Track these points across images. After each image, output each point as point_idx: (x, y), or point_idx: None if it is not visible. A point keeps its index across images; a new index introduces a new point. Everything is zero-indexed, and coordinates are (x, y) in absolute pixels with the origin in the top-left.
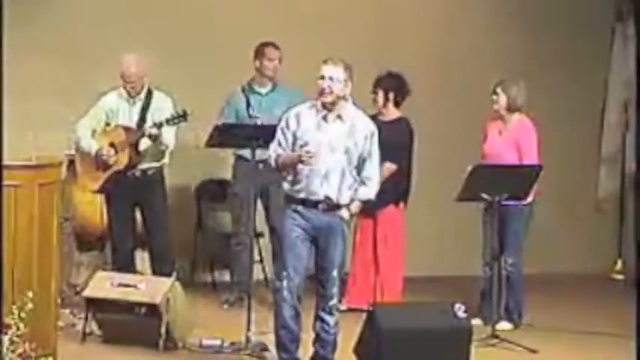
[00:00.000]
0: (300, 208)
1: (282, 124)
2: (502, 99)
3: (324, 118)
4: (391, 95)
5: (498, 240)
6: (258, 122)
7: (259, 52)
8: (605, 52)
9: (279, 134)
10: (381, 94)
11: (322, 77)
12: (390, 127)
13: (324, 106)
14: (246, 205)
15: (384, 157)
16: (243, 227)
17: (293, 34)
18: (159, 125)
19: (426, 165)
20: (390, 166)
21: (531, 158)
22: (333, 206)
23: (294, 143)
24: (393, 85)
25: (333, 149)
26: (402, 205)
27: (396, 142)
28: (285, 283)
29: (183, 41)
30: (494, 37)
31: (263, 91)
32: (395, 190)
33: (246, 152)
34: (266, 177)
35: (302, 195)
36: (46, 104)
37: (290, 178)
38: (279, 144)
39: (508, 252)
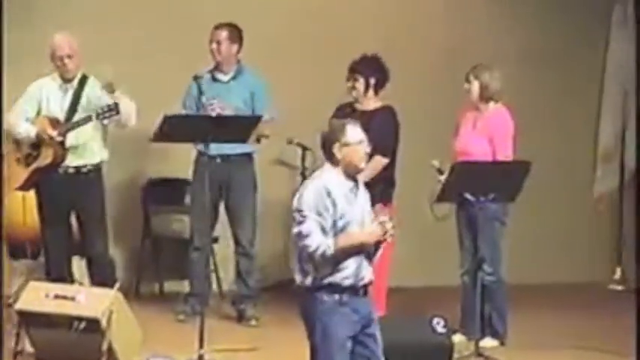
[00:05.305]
0: (345, 297)
1: (315, 203)
2: (475, 86)
3: (351, 190)
4: (372, 81)
5: (474, 244)
6: (213, 113)
7: None
8: (602, 42)
9: (317, 218)
10: (361, 81)
11: (360, 142)
12: (376, 117)
13: (349, 175)
14: (205, 207)
15: (372, 151)
16: (199, 232)
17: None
18: (85, 119)
19: (401, 163)
20: (381, 160)
21: (505, 154)
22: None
23: (332, 227)
24: (374, 70)
25: (364, 223)
26: (390, 204)
27: (383, 133)
28: None
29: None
30: (486, 25)
31: (224, 78)
32: (385, 186)
33: (206, 148)
34: (227, 174)
35: (349, 282)
36: None
37: (332, 265)
38: (324, 231)
39: (485, 260)
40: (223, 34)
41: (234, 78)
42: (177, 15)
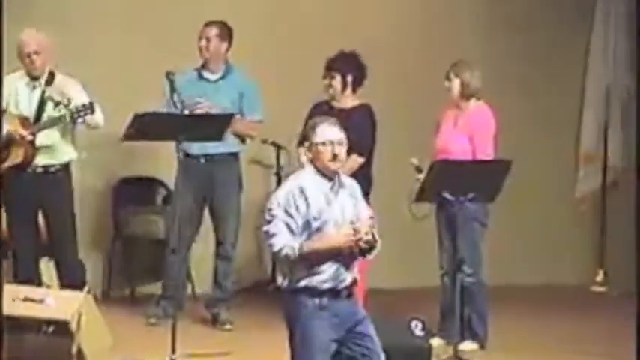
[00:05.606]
0: (325, 301)
1: (285, 202)
2: (455, 83)
3: (332, 189)
4: (349, 79)
5: (454, 245)
6: (200, 112)
7: None
8: (585, 40)
9: (285, 218)
10: (338, 78)
11: (330, 143)
12: (353, 115)
13: (326, 175)
14: (187, 209)
15: (349, 150)
16: (178, 233)
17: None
18: (57, 120)
19: (379, 162)
20: (357, 159)
21: (485, 152)
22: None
23: (306, 227)
24: (351, 68)
25: (345, 222)
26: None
27: (360, 132)
28: None
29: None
30: (467, 23)
31: (212, 77)
32: (362, 186)
33: (189, 147)
34: (211, 174)
35: (328, 285)
36: None
37: (305, 267)
38: (292, 232)
39: (465, 261)
40: (213, 31)
41: (222, 77)
42: (177, 16)
